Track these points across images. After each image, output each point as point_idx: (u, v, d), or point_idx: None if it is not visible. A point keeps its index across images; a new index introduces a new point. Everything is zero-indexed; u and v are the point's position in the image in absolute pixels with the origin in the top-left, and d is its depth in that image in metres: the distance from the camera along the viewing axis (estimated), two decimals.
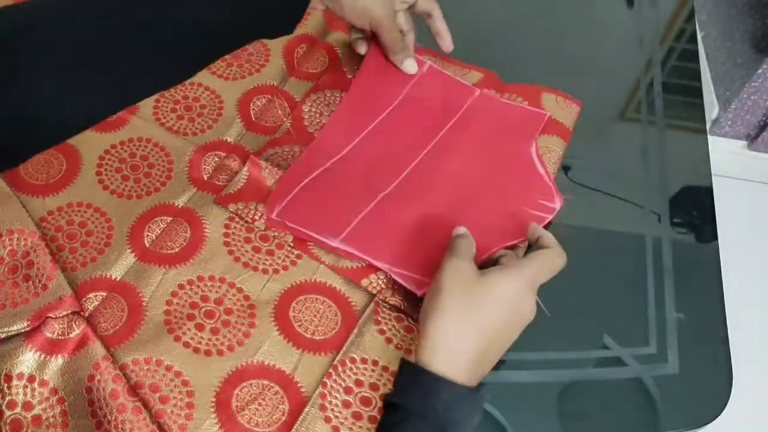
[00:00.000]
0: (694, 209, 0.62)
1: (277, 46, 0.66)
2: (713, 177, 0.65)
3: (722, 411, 0.50)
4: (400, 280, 0.51)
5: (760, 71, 1.37)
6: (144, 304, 0.49)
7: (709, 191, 0.64)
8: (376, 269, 0.52)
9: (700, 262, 0.60)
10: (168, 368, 0.47)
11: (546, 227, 0.57)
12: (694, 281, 0.58)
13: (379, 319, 0.50)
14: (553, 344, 0.53)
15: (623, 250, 0.59)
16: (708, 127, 1.50)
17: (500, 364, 0.50)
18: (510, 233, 0.54)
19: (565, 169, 0.62)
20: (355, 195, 0.56)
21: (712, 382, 0.52)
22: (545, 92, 0.64)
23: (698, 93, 0.72)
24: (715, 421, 0.50)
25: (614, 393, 0.51)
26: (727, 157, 1.53)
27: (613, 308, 0.55)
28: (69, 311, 0.47)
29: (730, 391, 0.51)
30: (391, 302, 0.51)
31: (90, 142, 0.57)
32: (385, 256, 0.52)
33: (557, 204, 0.57)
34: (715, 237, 0.61)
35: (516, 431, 0.48)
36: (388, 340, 0.50)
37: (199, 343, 0.48)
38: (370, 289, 0.51)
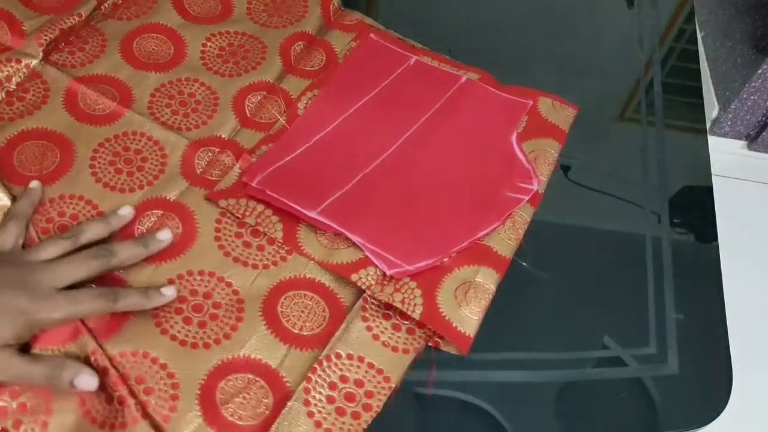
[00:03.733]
0: (694, 209, 0.62)
1: (273, 43, 0.66)
2: (713, 177, 0.65)
3: (722, 411, 0.50)
4: (371, 257, 0.52)
5: (760, 71, 1.37)
6: None
7: (709, 191, 0.64)
8: (366, 265, 0.52)
9: (700, 262, 0.60)
10: (154, 360, 0.47)
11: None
12: (694, 281, 0.58)
13: (367, 315, 0.50)
14: (553, 344, 0.53)
15: (623, 250, 0.59)
16: (708, 127, 1.50)
17: (500, 364, 0.50)
18: (488, 218, 0.55)
19: (564, 169, 0.62)
20: (336, 172, 0.57)
21: (712, 382, 0.52)
22: (541, 96, 0.65)
23: (698, 93, 0.72)
24: (715, 421, 0.50)
25: (614, 393, 0.51)
26: (727, 157, 1.53)
27: (613, 308, 0.55)
28: None
29: (730, 391, 0.51)
30: (379, 297, 0.51)
31: (85, 135, 0.57)
32: (360, 231, 0.53)
33: (535, 185, 0.58)
34: (715, 237, 0.61)
35: (516, 431, 0.48)
36: (375, 337, 0.50)
37: (186, 336, 0.48)
38: (359, 284, 0.51)
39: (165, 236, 0.52)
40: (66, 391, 0.44)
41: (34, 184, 0.53)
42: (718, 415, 0.50)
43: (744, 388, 0.61)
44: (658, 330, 0.54)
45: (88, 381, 0.44)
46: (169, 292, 0.49)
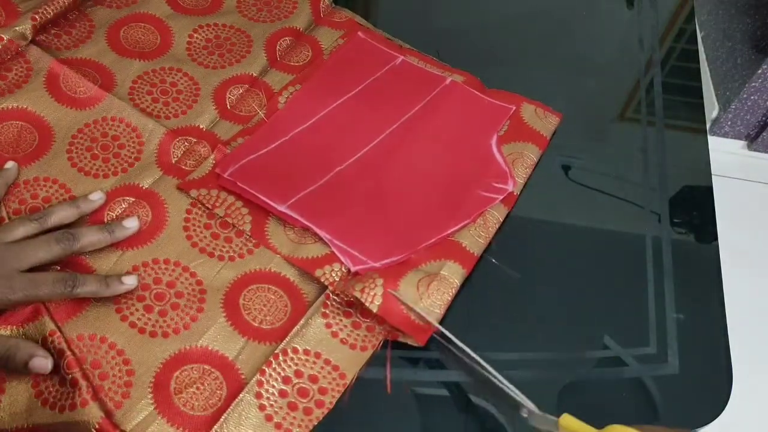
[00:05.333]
0: (694, 209, 0.62)
1: (260, 37, 0.66)
2: (713, 177, 0.65)
3: (722, 411, 0.50)
4: (337, 253, 0.52)
5: (760, 71, 1.37)
6: None
7: (709, 191, 0.64)
8: (332, 261, 0.52)
9: (700, 262, 0.60)
10: (111, 346, 0.47)
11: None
12: (694, 281, 0.58)
13: (327, 312, 0.50)
14: (553, 344, 0.53)
15: (623, 250, 0.59)
16: (708, 127, 1.50)
17: (501, 364, 0.50)
18: (458, 214, 0.55)
19: (565, 169, 0.62)
20: (310, 167, 0.57)
21: (712, 382, 0.52)
22: (525, 102, 0.64)
23: (698, 93, 0.72)
24: (715, 421, 0.50)
25: (614, 393, 0.51)
26: (727, 157, 1.53)
27: (613, 308, 0.55)
28: None
29: (730, 391, 0.51)
30: (341, 290, 0.50)
31: (65, 121, 0.57)
32: (328, 227, 0.53)
33: (510, 186, 0.57)
34: (715, 237, 0.61)
35: (516, 431, 0.48)
36: (334, 334, 0.49)
37: (146, 324, 0.48)
38: (323, 280, 0.51)
39: (131, 224, 0.52)
40: (20, 372, 0.44)
41: (10, 164, 0.54)
42: (718, 415, 0.50)
43: (744, 388, 0.61)
44: (658, 330, 0.54)
45: (42, 364, 0.44)
46: (130, 281, 0.49)
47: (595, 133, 0.67)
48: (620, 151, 0.66)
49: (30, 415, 0.44)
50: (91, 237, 0.50)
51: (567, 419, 0.42)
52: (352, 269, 0.51)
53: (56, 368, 0.45)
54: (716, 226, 0.61)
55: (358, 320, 0.50)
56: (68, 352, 0.45)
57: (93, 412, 0.43)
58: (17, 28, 0.59)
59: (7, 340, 0.45)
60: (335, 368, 0.48)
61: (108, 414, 0.44)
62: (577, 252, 0.58)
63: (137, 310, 0.49)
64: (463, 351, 0.46)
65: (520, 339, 0.49)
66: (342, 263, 0.52)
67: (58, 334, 0.46)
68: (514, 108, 0.63)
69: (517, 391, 0.44)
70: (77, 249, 0.49)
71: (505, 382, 0.44)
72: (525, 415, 0.43)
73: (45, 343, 0.46)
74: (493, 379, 0.44)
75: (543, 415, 0.43)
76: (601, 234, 0.60)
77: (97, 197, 0.53)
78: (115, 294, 0.48)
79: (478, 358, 0.45)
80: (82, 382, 0.44)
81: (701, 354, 0.53)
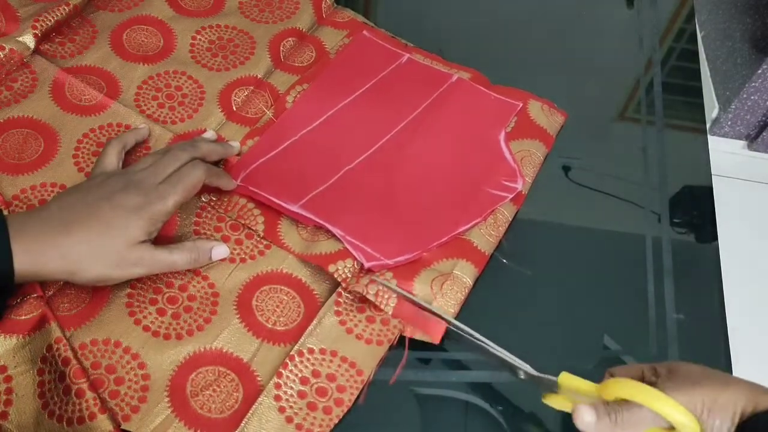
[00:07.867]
0: (694, 209, 0.63)
1: (263, 38, 0.66)
2: (713, 177, 0.65)
3: None
4: (350, 249, 0.52)
5: (760, 71, 1.37)
6: (109, 286, 0.49)
7: (709, 191, 0.64)
8: (345, 257, 0.52)
9: (700, 262, 0.60)
10: (126, 350, 0.47)
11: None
12: (694, 281, 0.58)
13: (340, 310, 0.50)
14: (553, 344, 0.53)
15: (623, 250, 0.59)
16: (708, 127, 1.50)
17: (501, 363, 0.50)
18: (469, 213, 0.55)
19: (565, 169, 0.62)
20: (320, 166, 0.57)
21: None
22: (532, 99, 0.64)
23: (698, 93, 0.72)
24: None
25: None
26: (727, 157, 1.53)
27: (613, 308, 0.55)
28: (32, 295, 0.47)
29: None
30: (354, 288, 0.50)
31: (70, 125, 0.57)
32: (341, 224, 0.53)
33: (519, 184, 0.58)
34: (715, 237, 0.61)
35: (515, 431, 0.48)
36: (349, 330, 0.49)
37: (159, 327, 0.48)
38: (336, 276, 0.51)
39: (235, 144, 0.58)
40: (206, 263, 0.51)
41: (143, 125, 0.57)
42: None
43: None
44: (658, 330, 0.54)
45: (223, 251, 0.52)
46: (235, 144, 0.58)
47: (595, 133, 0.67)
48: (620, 151, 0.66)
49: (38, 428, 0.44)
50: (209, 146, 0.54)
51: (565, 377, 0.42)
52: (366, 265, 0.51)
53: (62, 377, 0.44)
54: (716, 226, 0.61)
55: (372, 314, 0.50)
56: (74, 361, 0.45)
57: (103, 426, 0.43)
58: (19, 39, 0.59)
59: (184, 243, 0.50)
60: (352, 365, 0.48)
61: (116, 424, 0.44)
62: (577, 252, 0.58)
63: (150, 313, 0.49)
64: (459, 327, 0.46)
65: (519, 338, 0.49)
66: (355, 259, 0.52)
67: (64, 341, 0.46)
68: (521, 104, 0.64)
69: (512, 356, 0.44)
70: (199, 156, 0.53)
71: (500, 349, 0.44)
72: (522, 377, 0.44)
73: (50, 351, 0.45)
74: (487, 347, 0.45)
75: (540, 376, 0.43)
76: (601, 234, 0.60)
77: (210, 135, 0.58)
78: (230, 154, 0.57)
79: (470, 331, 0.45)
80: (89, 394, 0.44)
81: (701, 354, 0.53)
